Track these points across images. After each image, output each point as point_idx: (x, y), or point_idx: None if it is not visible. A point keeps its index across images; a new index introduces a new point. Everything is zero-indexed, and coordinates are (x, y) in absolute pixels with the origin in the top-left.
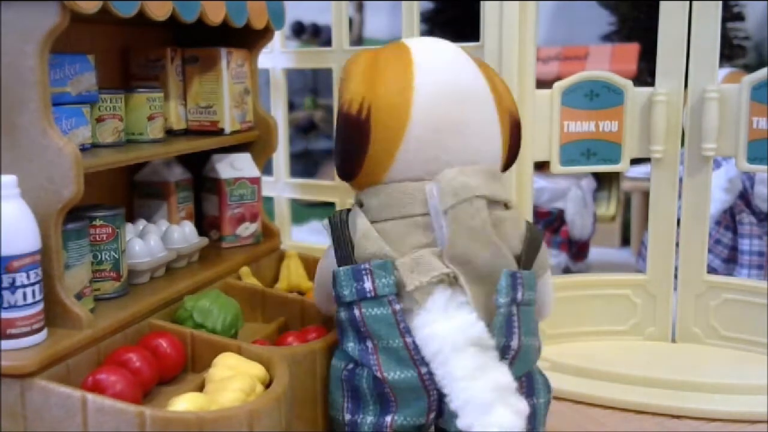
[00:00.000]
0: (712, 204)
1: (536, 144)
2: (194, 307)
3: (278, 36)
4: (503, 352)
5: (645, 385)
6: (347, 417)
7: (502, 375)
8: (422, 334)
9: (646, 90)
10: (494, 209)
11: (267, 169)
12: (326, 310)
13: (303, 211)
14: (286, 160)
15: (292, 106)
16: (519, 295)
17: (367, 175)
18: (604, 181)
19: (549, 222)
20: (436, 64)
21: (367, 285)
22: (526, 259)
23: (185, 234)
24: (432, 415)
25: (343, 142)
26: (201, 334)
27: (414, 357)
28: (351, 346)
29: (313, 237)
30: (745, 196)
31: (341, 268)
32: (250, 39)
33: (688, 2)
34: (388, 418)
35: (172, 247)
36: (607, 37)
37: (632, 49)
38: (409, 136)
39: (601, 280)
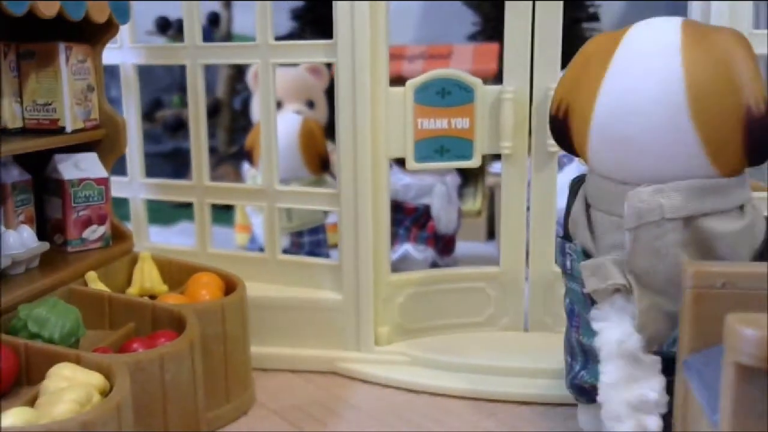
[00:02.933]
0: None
1: (391, 141)
2: (29, 316)
3: (126, 30)
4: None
5: (499, 375)
6: (567, 358)
7: (651, 390)
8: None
9: (494, 88)
10: (708, 221)
11: (122, 169)
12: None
13: (172, 212)
14: (140, 159)
15: (160, 104)
16: None
17: (584, 159)
18: (470, 177)
19: (416, 218)
20: (632, 64)
21: (567, 263)
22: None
23: (22, 239)
24: None
25: (552, 134)
26: (36, 344)
27: None
28: (568, 301)
29: (181, 239)
30: None
31: (558, 238)
32: (93, 34)
33: (531, 2)
34: (583, 372)
35: (7, 254)
36: (473, 37)
37: (493, 48)
38: (591, 146)
39: (457, 273)
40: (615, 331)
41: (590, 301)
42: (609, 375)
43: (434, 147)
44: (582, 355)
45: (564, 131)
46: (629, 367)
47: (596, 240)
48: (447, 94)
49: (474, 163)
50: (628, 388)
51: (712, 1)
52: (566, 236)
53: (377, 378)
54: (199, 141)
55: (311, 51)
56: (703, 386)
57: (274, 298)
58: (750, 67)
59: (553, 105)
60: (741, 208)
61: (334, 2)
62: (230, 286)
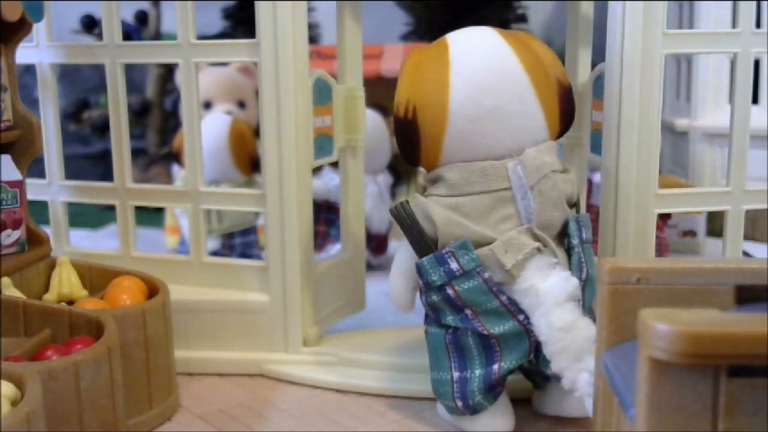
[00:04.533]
0: None
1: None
2: None
3: (43, 29)
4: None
5: (426, 373)
6: (456, 375)
7: (590, 326)
8: (520, 289)
9: (345, 87)
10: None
11: (40, 171)
12: (405, 302)
13: (101, 215)
14: (59, 161)
15: (87, 105)
16: (583, 235)
17: (426, 162)
18: (402, 176)
19: None
20: (470, 56)
21: (454, 265)
22: (579, 205)
23: None
24: (531, 356)
25: (399, 141)
26: None
27: (511, 309)
28: (451, 318)
29: (110, 242)
30: None
31: (425, 260)
32: (4, 32)
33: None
34: (495, 366)
35: None
36: (405, 37)
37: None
38: (451, 129)
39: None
40: (552, 280)
41: (499, 284)
42: (562, 319)
43: (318, 144)
44: (485, 351)
45: (414, 131)
46: (577, 307)
47: (478, 220)
48: (319, 93)
49: (334, 158)
50: (579, 327)
51: (627, 1)
52: (427, 252)
53: (305, 379)
54: (120, 142)
55: (234, 50)
56: (620, 381)
57: (199, 301)
58: (549, 52)
59: (399, 109)
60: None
61: (255, 2)
62: (153, 289)
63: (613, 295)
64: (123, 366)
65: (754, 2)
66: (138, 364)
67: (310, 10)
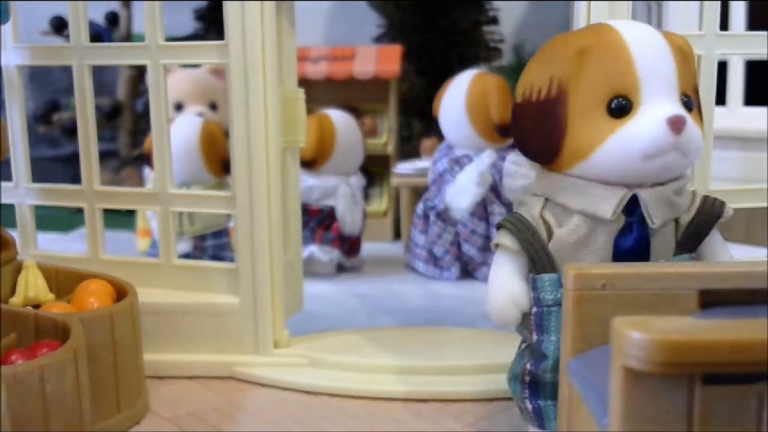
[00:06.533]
0: (466, 197)
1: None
2: None
3: (8, 30)
4: None
5: (395, 374)
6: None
7: None
8: None
9: (283, 88)
10: None
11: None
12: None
13: (72, 218)
14: (26, 163)
15: (57, 107)
16: None
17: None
18: (375, 178)
19: (320, 220)
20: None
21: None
22: None
23: None
24: None
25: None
26: None
27: None
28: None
29: (81, 245)
30: (495, 189)
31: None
32: None
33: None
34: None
35: None
36: (378, 39)
37: (396, 50)
38: None
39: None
40: None
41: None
42: None
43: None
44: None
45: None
46: None
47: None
48: None
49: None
50: None
51: (591, 2)
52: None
53: (275, 381)
54: (88, 144)
55: (203, 52)
56: (590, 389)
57: (168, 304)
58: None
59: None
60: None
61: (224, 3)
62: (121, 292)
63: (578, 301)
64: (90, 369)
65: (718, 3)
66: (105, 368)
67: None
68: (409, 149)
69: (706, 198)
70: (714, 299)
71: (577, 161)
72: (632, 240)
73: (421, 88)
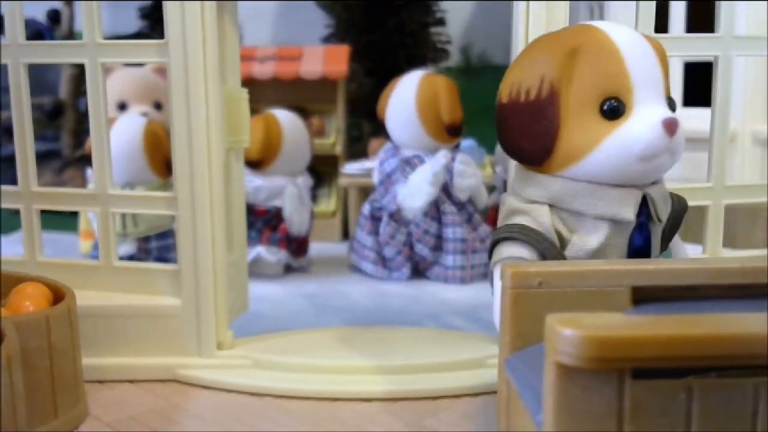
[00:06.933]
0: (420, 197)
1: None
2: None
3: None
4: None
5: (342, 373)
6: None
7: None
8: None
9: (226, 88)
10: None
11: None
12: None
13: (12, 219)
14: None
15: None
16: None
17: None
18: (323, 178)
19: (267, 220)
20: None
21: None
22: None
23: None
24: None
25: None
26: None
27: None
28: None
29: (19, 248)
30: (446, 189)
31: None
32: None
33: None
34: None
35: None
36: (326, 39)
37: (343, 50)
38: None
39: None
40: None
41: None
42: None
43: None
44: None
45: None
46: None
47: None
48: None
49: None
50: None
51: (530, 2)
52: None
53: (219, 383)
54: (24, 145)
55: (143, 51)
56: (526, 385)
57: (108, 307)
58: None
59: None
60: None
61: (164, 2)
62: (58, 295)
63: (516, 299)
64: (25, 374)
65: (653, 4)
66: (42, 372)
67: None
68: (358, 149)
69: (672, 194)
70: (646, 296)
71: (570, 163)
72: (643, 239)
73: (369, 88)
